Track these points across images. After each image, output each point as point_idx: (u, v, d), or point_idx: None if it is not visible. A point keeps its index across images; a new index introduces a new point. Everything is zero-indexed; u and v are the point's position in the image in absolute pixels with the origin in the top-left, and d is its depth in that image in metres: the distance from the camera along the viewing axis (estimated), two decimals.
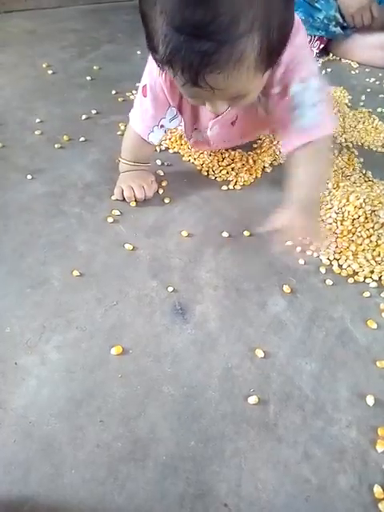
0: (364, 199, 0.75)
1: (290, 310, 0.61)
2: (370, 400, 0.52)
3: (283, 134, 0.67)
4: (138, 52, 1.25)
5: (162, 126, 0.73)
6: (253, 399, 0.51)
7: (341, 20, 1.25)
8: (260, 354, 0.55)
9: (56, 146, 0.86)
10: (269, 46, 0.47)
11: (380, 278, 0.67)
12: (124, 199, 0.74)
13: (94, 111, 0.98)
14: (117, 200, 0.75)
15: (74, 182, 0.78)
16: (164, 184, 0.80)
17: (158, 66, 0.52)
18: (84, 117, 0.95)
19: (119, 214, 0.73)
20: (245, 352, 0.56)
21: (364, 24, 1.24)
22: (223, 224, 0.74)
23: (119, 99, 1.03)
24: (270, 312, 0.61)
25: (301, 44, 0.59)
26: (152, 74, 0.66)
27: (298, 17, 0.59)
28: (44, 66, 1.14)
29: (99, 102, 1.01)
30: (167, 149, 0.89)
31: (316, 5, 1.21)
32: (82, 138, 0.89)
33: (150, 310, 0.59)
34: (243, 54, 0.46)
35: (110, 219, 0.71)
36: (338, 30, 1.28)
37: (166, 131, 0.76)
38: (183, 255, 0.67)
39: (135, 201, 0.75)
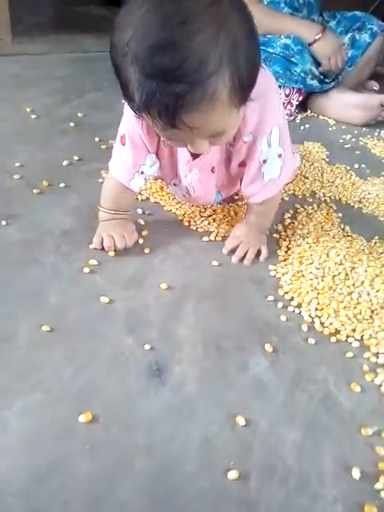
0: (344, 255, 0.75)
1: (272, 371, 0.58)
2: (356, 473, 0.49)
3: (251, 185, 0.73)
4: (123, 101, 1.27)
5: (142, 173, 0.73)
6: (233, 474, 0.47)
7: (317, 73, 1.32)
8: (241, 421, 0.52)
9: (35, 191, 0.84)
10: (240, 80, 0.49)
11: (362, 337, 0.65)
12: (103, 248, 0.72)
13: (75, 157, 0.97)
14: (95, 249, 0.72)
15: (50, 229, 0.76)
16: (144, 233, 0.79)
17: (136, 113, 0.55)
18: (65, 163, 0.94)
19: (97, 263, 0.70)
20: (225, 419, 0.52)
21: (338, 66, 1.33)
22: (204, 276, 0.72)
23: (102, 146, 1.03)
24: (251, 373, 0.58)
25: (270, 94, 0.64)
26: (129, 122, 0.68)
27: (270, 73, 0.67)
28: (27, 110, 1.14)
29: (82, 148, 1.01)
30: (148, 199, 0.88)
31: (292, 59, 1.28)
32: (62, 184, 0.87)
33: (124, 370, 0.55)
34: (216, 91, 0.48)
35: (87, 269, 0.69)
36: (315, 83, 1.35)
37: (146, 178, 0.76)
38: (162, 309, 0.65)
39: (114, 250, 0.72)
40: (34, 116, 1.12)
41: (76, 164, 0.96)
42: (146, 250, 0.75)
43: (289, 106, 1.34)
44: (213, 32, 0.46)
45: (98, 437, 0.48)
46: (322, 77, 1.35)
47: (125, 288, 0.67)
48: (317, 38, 1.27)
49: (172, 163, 0.76)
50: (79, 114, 1.17)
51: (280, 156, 0.69)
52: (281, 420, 0.53)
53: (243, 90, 0.51)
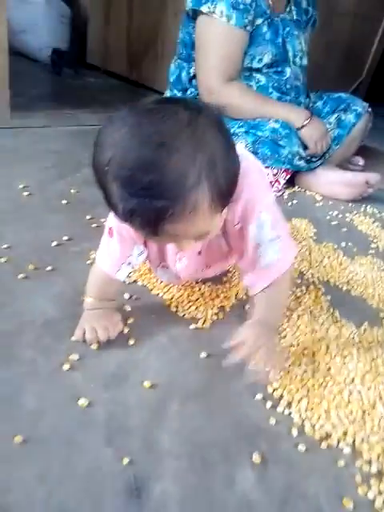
0: (335, 348, 0.74)
1: (260, 488, 0.55)
2: None
3: (249, 273, 0.71)
4: None
5: (129, 263, 0.74)
6: None
7: (303, 154, 1.37)
8: None
9: (20, 276, 0.83)
10: (219, 191, 0.51)
11: (354, 441, 0.62)
12: (85, 341, 0.70)
13: (65, 237, 0.97)
14: (77, 341, 0.70)
15: (32, 319, 0.74)
16: (130, 321, 0.77)
17: (120, 220, 0.55)
18: (54, 243, 0.94)
19: (78, 358, 0.68)
20: None
21: (324, 150, 1.40)
22: (190, 371, 0.69)
23: (93, 225, 1.04)
24: (238, 490, 0.54)
25: (255, 183, 0.65)
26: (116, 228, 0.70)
27: (252, 158, 0.69)
28: (20, 186, 1.15)
29: (72, 227, 1.01)
30: (135, 281, 0.88)
31: (280, 142, 1.33)
32: (48, 267, 0.86)
33: (100, 489, 0.51)
34: (196, 204, 0.49)
35: (66, 365, 0.66)
36: (303, 163, 1.40)
37: (133, 267, 0.75)
38: (144, 412, 0.61)
39: (98, 342, 0.70)
40: (26, 193, 1.13)
41: (65, 244, 0.96)
42: (131, 341, 0.73)
43: (276, 184, 1.38)
44: (190, 150, 0.48)
45: None
46: (308, 157, 1.40)
47: (105, 387, 0.64)
48: (305, 123, 1.33)
49: (160, 252, 0.77)
50: (72, 191, 1.18)
51: (278, 237, 0.67)
52: None
53: (224, 197, 0.54)
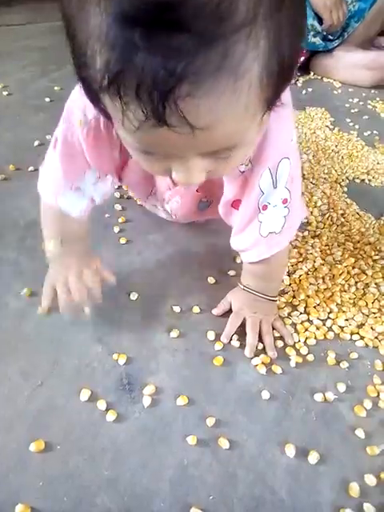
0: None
1: (263, 381, 0.50)
2: (366, 507, 0.41)
3: (241, 233, 0.52)
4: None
5: (77, 189, 0.51)
6: (214, 509, 0.40)
7: (319, 28, 1.19)
8: (224, 443, 0.44)
9: (0, 177, 0.75)
10: (280, 57, 0.29)
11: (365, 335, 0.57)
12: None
13: (48, 136, 0.87)
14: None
15: (15, 220, 0.67)
16: (121, 221, 0.70)
17: (93, 98, 0.32)
18: (36, 143, 0.85)
19: None
20: (206, 442, 0.44)
21: (341, 20, 1.18)
22: (186, 267, 0.63)
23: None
24: (238, 383, 0.50)
25: (286, 115, 0.42)
26: (69, 120, 0.47)
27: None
28: (0, 86, 1.04)
29: (56, 126, 0.91)
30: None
31: None
32: (30, 168, 0.78)
33: (90, 386, 0.48)
34: (243, 61, 0.27)
35: None
36: (318, 40, 1.22)
37: (93, 200, 0.53)
38: (136, 310, 0.57)
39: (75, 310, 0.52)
40: (5, 93, 1.02)
41: (48, 144, 0.86)
42: (122, 240, 0.66)
43: None
44: None
45: (54, 469, 0.41)
46: (325, 33, 1.21)
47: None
48: None
49: (146, 179, 0.57)
50: (56, 88, 1.06)
51: (285, 201, 0.48)
52: (272, 439, 0.45)
53: (281, 77, 0.30)
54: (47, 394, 0.46)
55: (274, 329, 0.56)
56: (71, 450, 0.43)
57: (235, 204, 0.51)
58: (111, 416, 0.45)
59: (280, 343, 0.54)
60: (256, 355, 0.53)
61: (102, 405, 0.46)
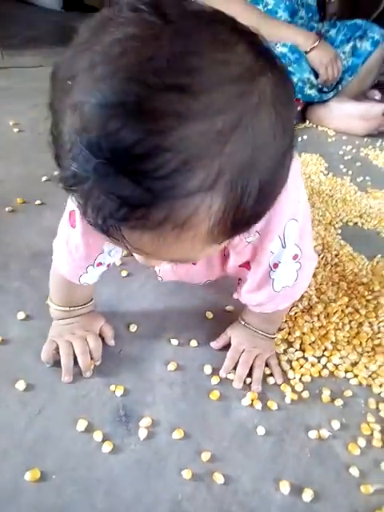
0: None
1: (259, 416, 0.51)
2: None
3: (258, 293, 0.52)
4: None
5: (99, 265, 0.52)
6: None
7: (315, 81, 1.26)
8: (219, 479, 0.44)
9: (7, 209, 0.78)
10: (235, 216, 0.28)
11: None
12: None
13: (56, 172, 0.91)
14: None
15: (19, 251, 0.69)
16: (123, 254, 0.72)
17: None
18: (44, 178, 0.88)
19: None
20: (201, 476, 0.45)
21: (335, 76, 1.27)
22: (185, 302, 0.65)
23: None
24: (234, 418, 0.50)
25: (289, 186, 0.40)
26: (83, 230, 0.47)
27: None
28: (11, 123, 1.09)
29: None
30: None
31: (289, 68, 1.22)
32: (37, 201, 0.81)
33: (87, 416, 0.48)
34: (190, 219, 0.27)
35: None
36: (314, 92, 1.29)
37: (108, 265, 0.54)
38: (135, 341, 0.58)
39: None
40: (16, 130, 1.07)
41: (55, 180, 0.89)
42: (123, 273, 0.68)
43: None
44: (231, 118, 0.25)
45: (48, 499, 0.41)
46: (320, 86, 1.29)
47: None
48: (313, 46, 1.21)
49: None
50: None
51: (296, 257, 0.49)
52: (266, 476, 0.46)
53: (238, 227, 0.30)
54: (44, 423, 0.47)
55: (266, 365, 0.56)
56: (66, 480, 0.43)
57: (244, 264, 0.51)
58: (107, 447, 0.45)
59: (273, 380, 0.55)
60: (249, 390, 0.53)
61: (98, 436, 0.46)
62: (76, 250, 0.49)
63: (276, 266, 0.48)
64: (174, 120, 0.24)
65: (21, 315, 0.58)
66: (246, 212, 0.28)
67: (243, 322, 0.59)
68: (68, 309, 0.55)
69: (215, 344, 0.58)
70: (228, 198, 0.27)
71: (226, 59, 0.26)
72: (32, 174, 0.90)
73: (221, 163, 0.26)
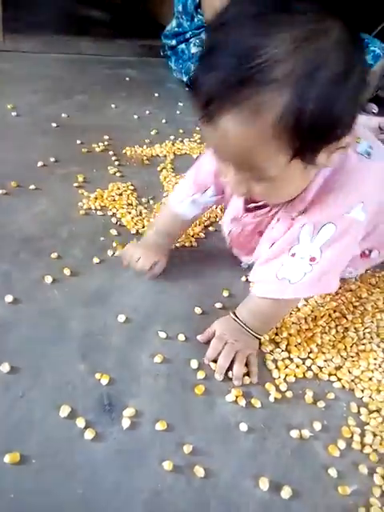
0: None
1: (242, 413, 0.51)
2: None
3: (260, 267, 0.57)
4: (112, 105, 1.22)
5: (193, 202, 0.66)
6: None
7: None
8: (200, 472, 0.45)
9: (0, 191, 0.77)
10: (297, 116, 0.37)
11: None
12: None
13: (52, 159, 0.90)
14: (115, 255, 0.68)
15: (10, 233, 0.69)
16: (115, 244, 0.72)
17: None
18: (40, 164, 0.88)
19: (58, 276, 0.63)
20: (181, 468, 0.45)
21: None
22: (175, 296, 0.65)
23: (83, 150, 0.97)
24: (218, 413, 0.51)
25: (349, 185, 0.50)
26: (200, 162, 0.65)
27: (376, 166, 0.50)
28: (9, 107, 1.07)
29: (60, 150, 0.94)
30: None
31: None
32: (31, 186, 0.80)
33: (70, 403, 0.47)
34: (265, 104, 0.37)
35: (48, 279, 0.61)
36: None
37: (203, 209, 0.68)
38: (123, 332, 0.57)
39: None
40: (14, 113, 1.05)
41: (51, 166, 0.89)
42: (116, 263, 0.68)
43: None
44: (304, 33, 0.37)
45: (26, 483, 0.41)
46: None
47: (84, 305, 0.60)
48: None
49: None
50: (63, 115, 1.10)
51: (312, 260, 0.52)
52: (246, 471, 0.46)
53: (298, 133, 0.38)
54: (27, 407, 0.46)
55: (246, 364, 0.56)
56: (46, 465, 0.42)
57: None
58: (89, 435, 0.45)
59: (264, 378, 0.55)
60: (234, 386, 0.54)
61: (80, 423, 0.46)
62: (184, 184, 0.67)
63: (293, 255, 0.53)
64: (265, 36, 0.37)
65: (9, 298, 0.57)
66: (305, 117, 0.37)
67: (233, 316, 0.59)
68: (154, 230, 0.68)
69: (201, 337, 0.58)
70: (293, 95, 0.37)
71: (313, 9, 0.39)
72: (28, 158, 0.89)
73: (293, 67, 0.36)
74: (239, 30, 0.38)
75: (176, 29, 1.48)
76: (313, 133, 0.39)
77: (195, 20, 1.42)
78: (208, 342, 0.57)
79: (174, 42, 1.50)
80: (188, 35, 1.45)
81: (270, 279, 0.55)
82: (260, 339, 0.59)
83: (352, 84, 0.39)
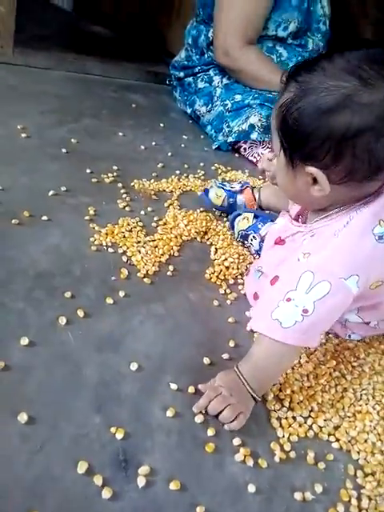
0: None
1: (250, 473, 0.53)
2: None
3: (258, 301, 0.66)
4: (120, 133, 1.24)
5: None
6: None
7: None
8: None
9: (13, 221, 0.77)
10: (280, 127, 0.56)
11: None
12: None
13: (63, 188, 0.91)
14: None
15: (24, 269, 0.68)
16: (121, 293, 0.72)
17: None
18: (51, 193, 0.88)
19: (72, 317, 0.63)
20: None
21: None
22: (184, 344, 0.66)
23: (92, 180, 0.97)
24: (226, 472, 0.52)
25: (340, 245, 0.56)
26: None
27: (372, 244, 0.56)
28: (18, 127, 1.07)
29: (71, 178, 0.95)
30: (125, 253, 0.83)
31: None
32: (44, 217, 0.80)
33: (87, 458, 0.48)
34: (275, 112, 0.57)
35: (62, 320, 0.62)
36: None
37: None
38: (136, 382, 0.58)
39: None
40: (24, 135, 1.05)
41: (62, 195, 0.89)
42: (124, 309, 0.69)
43: None
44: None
45: None
46: None
47: (98, 350, 0.60)
48: None
49: None
50: (73, 140, 1.11)
51: (305, 312, 0.55)
52: None
53: (288, 139, 0.55)
54: (45, 462, 0.46)
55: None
56: None
57: (273, 280, 0.62)
58: (107, 493, 0.45)
59: (269, 436, 0.57)
60: (242, 445, 0.55)
61: (98, 480, 0.46)
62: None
63: (289, 300, 0.57)
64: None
65: (24, 341, 0.57)
66: (286, 124, 0.54)
67: (236, 369, 0.60)
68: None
69: (202, 386, 0.59)
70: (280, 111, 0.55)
71: None
72: (38, 185, 0.89)
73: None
74: None
75: (185, 62, 1.52)
76: (292, 143, 0.55)
77: (205, 56, 1.46)
78: None
79: (181, 74, 1.54)
80: (196, 70, 1.49)
81: (264, 316, 0.58)
82: (255, 401, 0.59)
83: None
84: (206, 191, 0.99)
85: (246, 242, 0.92)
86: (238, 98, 1.33)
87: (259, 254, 0.87)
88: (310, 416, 0.62)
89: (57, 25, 2.26)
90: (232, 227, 0.94)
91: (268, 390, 0.62)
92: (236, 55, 1.28)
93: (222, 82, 1.41)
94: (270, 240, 0.72)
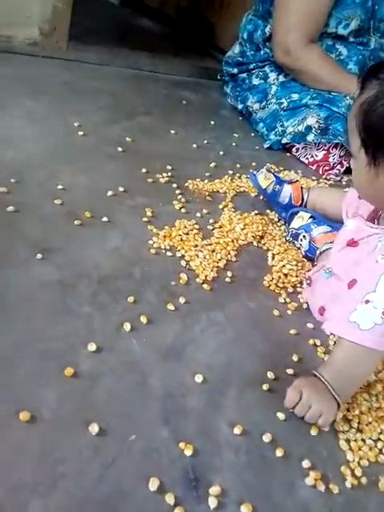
0: None
1: (321, 499, 0.50)
2: None
3: (335, 306, 0.65)
4: (172, 131, 1.22)
5: None
6: None
7: None
8: None
9: (76, 222, 0.77)
10: (364, 124, 0.57)
11: None
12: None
13: (121, 188, 0.90)
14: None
15: (88, 272, 0.68)
16: (182, 300, 0.71)
17: None
18: (110, 193, 0.87)
19: (135, 324, 0.63)
20: None
21: None
22: (246, 355, 0.64)
23: (148, 180, 0.97)
24: (297, 496, 0.50)
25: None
26: None
27: None
28: (75, 125, 1.08)
29: (127, 178, 0.94)
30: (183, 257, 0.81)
31: None
32: (104, 218, 0.80)
33: (157, 474, 0.47)
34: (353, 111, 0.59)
35: (126, 327, 0.61)
36: None
37: None
38: (201, 394, 0.57)
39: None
40: (81, 132, 1.05)
41: (120, 196, 0.89)
42: (185, 317, 0.68)
43: (339, 166, 1.29)
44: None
45: None
46: None
47: (163, 359, 0.59)
48: None
49: None
50: (127, 139, 1.10)
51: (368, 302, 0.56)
52: None
53: (367, 137, 0.57)
54: (116, 476, 0.46)
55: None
56: None
57: (351, 284, 0.61)
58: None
59: (338, 459, 0.55)
60: (311, 468, 0.53)
61: (170, 499, 0.45)
62: None
63: (367, 302, 0.56)
64: None
65: (92, 347, 0.57)
66: (366, 123, 0.56)
67: (315, 372, 0.59)
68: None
69: (288, 403, 0.57)
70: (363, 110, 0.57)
71: None
72: (97, 185, 0.89)
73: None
74: None
75: (239, 58, 1.48)
76: (369, 142, 0.56)
77: (261, 52, 1.42)
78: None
79: (235, 71, 1.50)
80: (251, 66, 1.45)
81: (341, 319, 0.58)
82: (339, 404, 0.58)
83: None
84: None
85: (295, 242, 0.89)
86: (295, 96, 1.29)
87: (308, 256, 0.86)
88: (379, 439, 0.59)
89: (107, 19, 2.26)
90: (288, 223, 0.93)
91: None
92: (298, 54, 1.23)
93: (278, 79, 1.37)
94: (341, 242, 0.71)
